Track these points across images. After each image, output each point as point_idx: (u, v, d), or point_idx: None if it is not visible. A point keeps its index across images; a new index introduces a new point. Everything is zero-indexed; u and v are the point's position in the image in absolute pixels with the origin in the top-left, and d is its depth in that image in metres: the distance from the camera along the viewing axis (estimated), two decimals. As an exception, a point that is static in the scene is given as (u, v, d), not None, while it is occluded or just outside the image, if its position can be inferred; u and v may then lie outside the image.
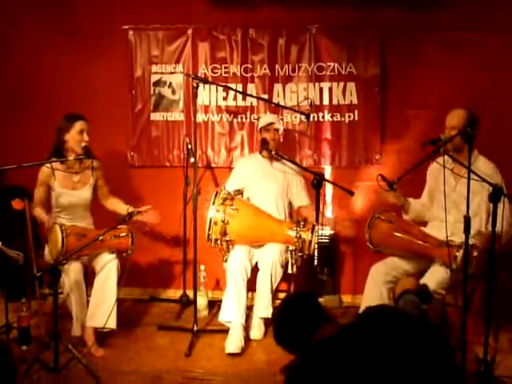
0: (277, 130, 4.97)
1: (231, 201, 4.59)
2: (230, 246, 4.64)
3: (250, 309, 4.75)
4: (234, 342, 4.40)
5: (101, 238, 4.24)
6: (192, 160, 4.82)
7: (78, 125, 4.43)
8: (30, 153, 4.64)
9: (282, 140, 5.08)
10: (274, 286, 4.66)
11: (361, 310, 4.06)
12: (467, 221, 3.59)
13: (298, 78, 5.53)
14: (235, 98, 5.59)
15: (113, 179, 4.92)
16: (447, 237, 3.85)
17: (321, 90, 5.52)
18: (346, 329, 1.92)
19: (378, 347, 1.72)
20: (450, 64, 5.30)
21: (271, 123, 4.98)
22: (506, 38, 5.20)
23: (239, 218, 4.57)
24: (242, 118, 5.60)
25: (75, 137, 4.42)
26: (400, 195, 4.40)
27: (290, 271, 4.71)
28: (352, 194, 4.40)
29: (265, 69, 5.55)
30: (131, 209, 4.57)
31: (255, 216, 4.70)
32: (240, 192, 4.84)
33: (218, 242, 4.58)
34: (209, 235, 4.55)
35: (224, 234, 4.56)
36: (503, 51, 5.24)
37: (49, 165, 4.39)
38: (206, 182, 5.53)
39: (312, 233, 4.50)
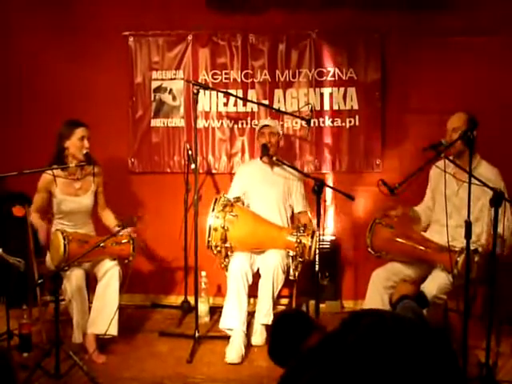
0: (273, 133, 4.94)
1: (231, 207, 4.58)
2: (230, 253, 4.64)
3: (251, 315, 4.75)
4: (234, 351, 4.38)
5: (102, 244, 4.24)
6: (193, 166, 4.82)
7: (79, 131, 4.43)
8: (31, 159, 4.66)
9: (280, 144, 5.06)
10: (276, 293, 4.64)
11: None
12: (468, 226, 3.59)
13: (298, 84, 5.53)
14: (236, 104, 5.60)
15: (113, 185, 4.93)
16: (448, 242, 3.84)
17: (321, 95, 5.52)
18: (329, 335, 1.92)
19: (357, 351, 1.69)
20: (450, 68, 5.30)
21: (265, 126, 4.98)
22: (507, 41, 5.20)
23: (239, 225, 4.56)
24: (242, 123, 5.60)
25: (76, 143, 4.41)
26: (400, 208, 4.41)
27: (291, 277, 4.70)
28: (353, 199, 4.40)
29: (265, 74, 5.55)
30: (117, 227, 4.50)
31: (255, 222, 4.70)
32: (239, 199, 4.84)
33: (219, 248, 4.58)
34: (209, 242, 4.54)
35: (224, 240, 4.55)
36: (504, 54, 5.24)
37: (50, 171, 4.39)
38: (207, 188, 5.53)
39: (312, 238, 4.50)
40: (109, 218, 4.76)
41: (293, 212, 5.09)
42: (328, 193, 5.43)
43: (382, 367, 1.59)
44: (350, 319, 1.83)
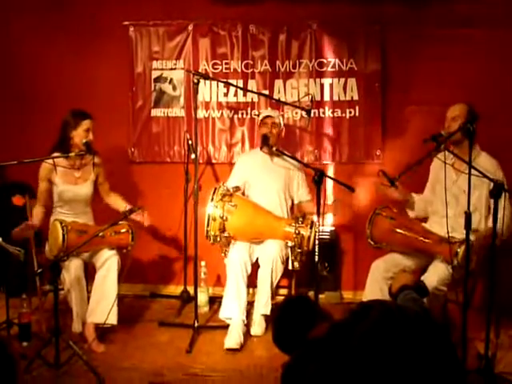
0: (275, 123, 4.94)
1: (230, 197, 4.58)
2: (232, 241, 4.65)
3: (251, 305, 4.75)
4: (232, 338, 4.40)
5: (101, 234, 4.24)
6: (193, 156, 4.80)
7: (86, 124, 4.42)
8: (31, 149, 4.64)
9: (282, 135, 5.07)
10: (275, 283, 4.65)
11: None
12: (468, 217, 3.58)
13: (298, 74, 5.53)
14: (236, 94, 5.60)
15: (114, 175, 4.92)
16: (448, 233, 3.84)
17: (321, 85, 5.52)
18: (338, 325, 1.92)
19: (366, 341, 1.70)
20: (450, 60, 5.28)
21: (267, 116, 4.98)
22: (507, 34, 5.18)
23: (238, 215, 4.56)
24: (242, 114, 5.60)
25: (81, 135, 4.41)
26: (402, 189, 4.38)
27: (290, 267, 4.71)
28: (353, 190, 4.39)
29: (265, 65, 5.54)
30: (128, 207, 4.57)
31: (254, 212, 4.70)
32: (239, 189, 4.85)
33: (218, 238, 4.58)
34: (207, 231, 4.55)
35: (223, 230, 4.55)
36: (504, 47, 5.22)
37: (50, 160, 4.39)
38: (207, 178, 5.53)
39: (311, 228, 4.50)
40: (117, 202, 4.77)
41: (293, 202, 5.09)
42: (328, 183, 5.41)
43: (389, 360, 1.60)
44: (359, 311, 1.83)
